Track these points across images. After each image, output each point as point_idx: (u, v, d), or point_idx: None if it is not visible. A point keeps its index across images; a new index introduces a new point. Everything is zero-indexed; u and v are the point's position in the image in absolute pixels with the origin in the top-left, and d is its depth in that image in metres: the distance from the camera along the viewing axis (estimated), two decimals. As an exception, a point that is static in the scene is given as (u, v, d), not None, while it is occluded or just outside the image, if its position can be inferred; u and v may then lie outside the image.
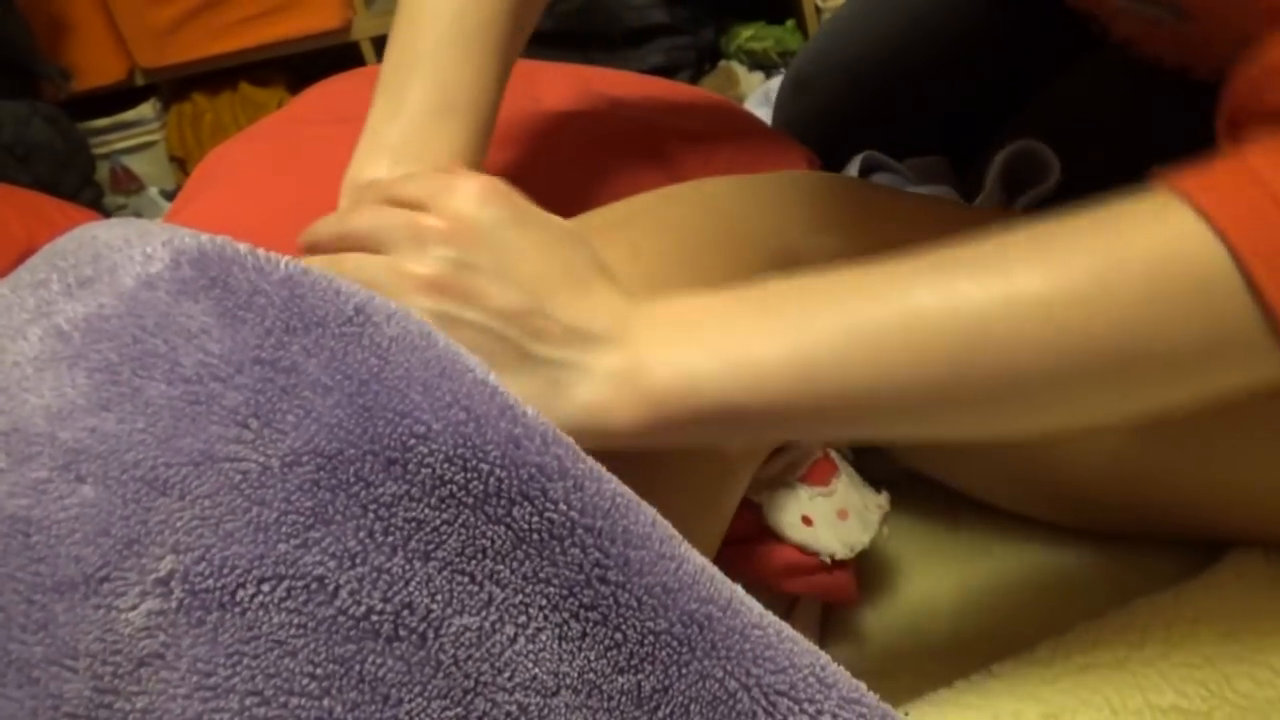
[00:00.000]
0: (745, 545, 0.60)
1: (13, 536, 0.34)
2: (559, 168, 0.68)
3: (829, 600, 0.63)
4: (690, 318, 0.43)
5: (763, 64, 1.79)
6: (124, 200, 1.97)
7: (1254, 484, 0.54)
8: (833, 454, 0.64)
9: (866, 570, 0.65)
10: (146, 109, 1.97)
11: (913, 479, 0.67)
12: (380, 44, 1.87)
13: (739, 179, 0.62)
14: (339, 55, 1.75)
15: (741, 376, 0.41)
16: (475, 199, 0.43)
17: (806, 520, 0.61)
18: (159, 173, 1.99)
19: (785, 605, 0.63)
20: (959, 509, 0.68)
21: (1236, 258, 0.37)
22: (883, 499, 0.62)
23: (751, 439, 0.50)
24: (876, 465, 0.69)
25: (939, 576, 0.66)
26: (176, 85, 1.96)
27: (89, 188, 1.81)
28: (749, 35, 1.80)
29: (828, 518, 0.61)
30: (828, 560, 0.60)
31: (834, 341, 0.41)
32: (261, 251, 0.40)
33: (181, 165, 1.97)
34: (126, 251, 0.40)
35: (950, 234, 0.45)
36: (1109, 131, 0.74)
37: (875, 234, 0.58)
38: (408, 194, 0.45)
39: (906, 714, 0.52)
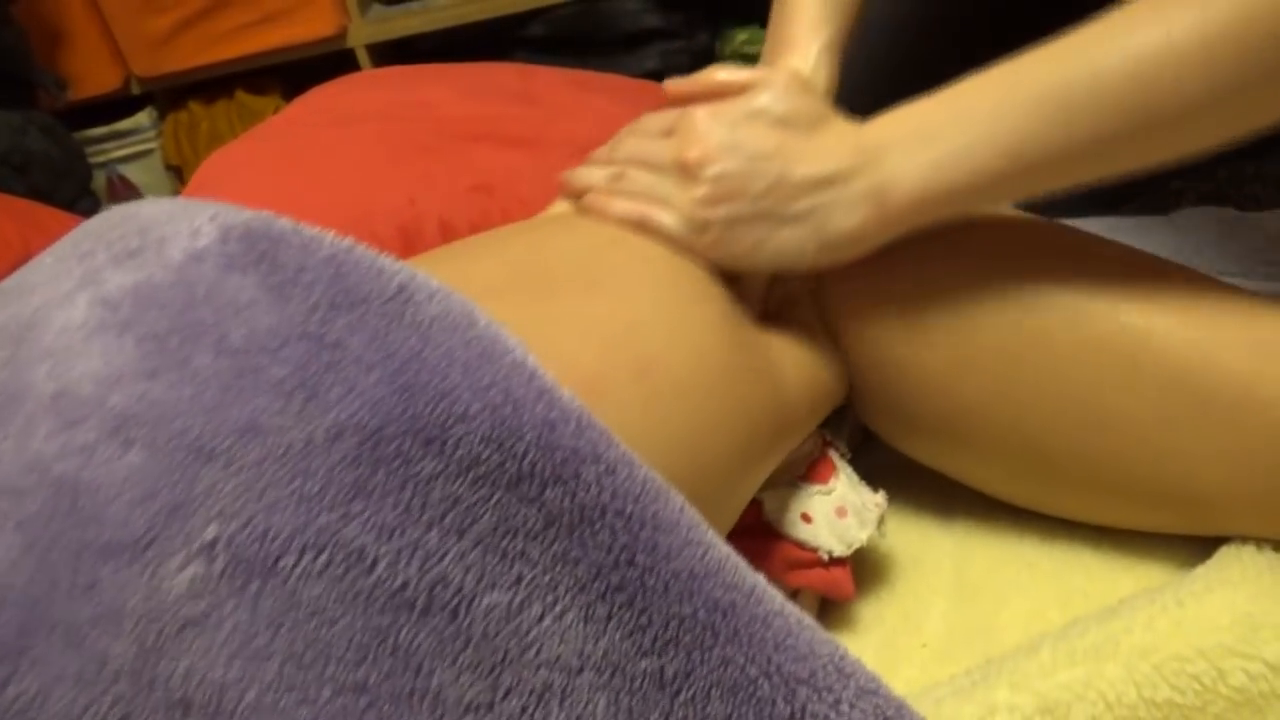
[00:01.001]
0: (747, 539, 0.61)
1: (61, 499, 0.35)
2: (554, 171, 0.69)
3: (826, 595, 0.64)
4: (914, 130, 0.54)
5: (758, 67, 1.80)
6: (119, 209, 1.96)
7: (1250, 480, 0.55)
8: (831, 454, 0.65)
9: (863, 564, 0.66)
10: (143, 118, 1.97)
11: (908, 474, 0.68)
12: (376, 51, 1.88)
13: None
14: (335, 63, 1.75)
15: (963, 168, 0.52)
16: (704, 124, 0.57)
17: (806, 517, 0.62)
18: (155, 181, 1.99)
19: (785, 596, 0.63)
20: (954, 503, 0.68)
21: None
22: (880, 498, 0.63)
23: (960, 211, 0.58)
24: (873, 457, 0.70)
25: (935, 570, 0.66)
26: (172, 94, 1.97)
27: (85, 197, 1.81)
28: (744, 39, 1.81)
29: (827, 515, 0.62)
30: (826, 557, 0.61)
31: (1031, 117, 0.51)
32: (306, 228, 0.41)
33: (178, 174, 1.97)
34: (173, 225, 0.41)
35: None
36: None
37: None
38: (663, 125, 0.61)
39: None
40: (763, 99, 0.57)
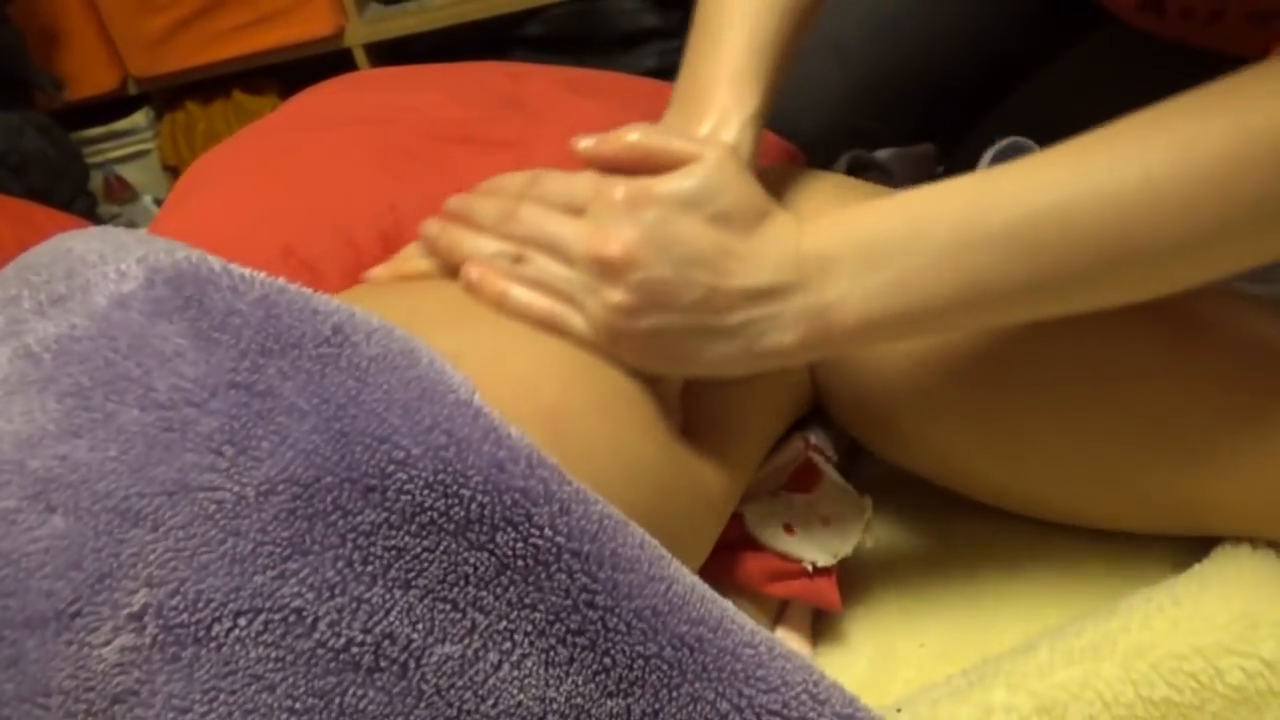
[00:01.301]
0: (728, 551, 0.60)
1: (-19, 570, 0.33)
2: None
3: (813, 605, 0.63)
4: (864, 246, 0.48)
5: (755, 65, 1.79)
6: (118, 209, 1.97)
7: (1245, 481, 0.53)
8: (816, 459, 0.63)
9: (857, 571, 0.65)
10: (139, 118, 1.96)
11: (899, 480, 0.67)
12: (373, 51, 1.87)
13: None
14: (332, 62, 1.74)
15: (914, 297, 0.47)
16: (626, 214, 0.48)
17: (788, 528, 0.60)
18: (153, 181, 1.99)
19: (776, 609, 0.62)
20: (949, 508, 0.67)
21: None
22: (866, 504, 0.61)
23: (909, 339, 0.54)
24: (868, 461, 0.69)
25: (932, 572, 0.65)
26: (169, 94, 1.95)
27: (82, 197, 1.80)
28: (741, 36, 1.79)
29: (810, 525, 0.61)
30: (810, 568, 0.59)
31: (994, 249, 0.46)
32: (237, 269, 0.39)
33: (175, 174, 1.96)
34: (101, 269, 0.39)
35: None
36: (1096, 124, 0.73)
37: None
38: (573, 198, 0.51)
39: (899, 711, 0.52)
40: (698, 185, 0.48)
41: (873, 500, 0.62)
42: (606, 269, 0.48)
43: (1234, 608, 0.52)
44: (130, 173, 1.96)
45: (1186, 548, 0.58)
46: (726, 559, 0.60)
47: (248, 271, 0.39)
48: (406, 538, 0.37)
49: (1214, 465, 0.53)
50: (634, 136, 0.51)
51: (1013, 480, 0.61)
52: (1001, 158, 0.71)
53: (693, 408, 0.55)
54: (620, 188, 0.49)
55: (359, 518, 0.36)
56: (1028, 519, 0.64)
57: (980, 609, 0.62)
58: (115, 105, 1.94)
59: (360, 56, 1.87)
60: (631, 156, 0.51)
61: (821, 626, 0.64)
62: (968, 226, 0.46)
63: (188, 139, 1.91)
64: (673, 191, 0.48)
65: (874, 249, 0.47)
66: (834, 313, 0.48)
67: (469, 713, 0.38)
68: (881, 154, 0.82)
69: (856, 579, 0.64)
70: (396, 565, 0.37)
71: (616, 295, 0.48)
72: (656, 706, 0.40)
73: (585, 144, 0.53)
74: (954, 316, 0.48)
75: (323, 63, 1.74)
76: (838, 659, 0.62)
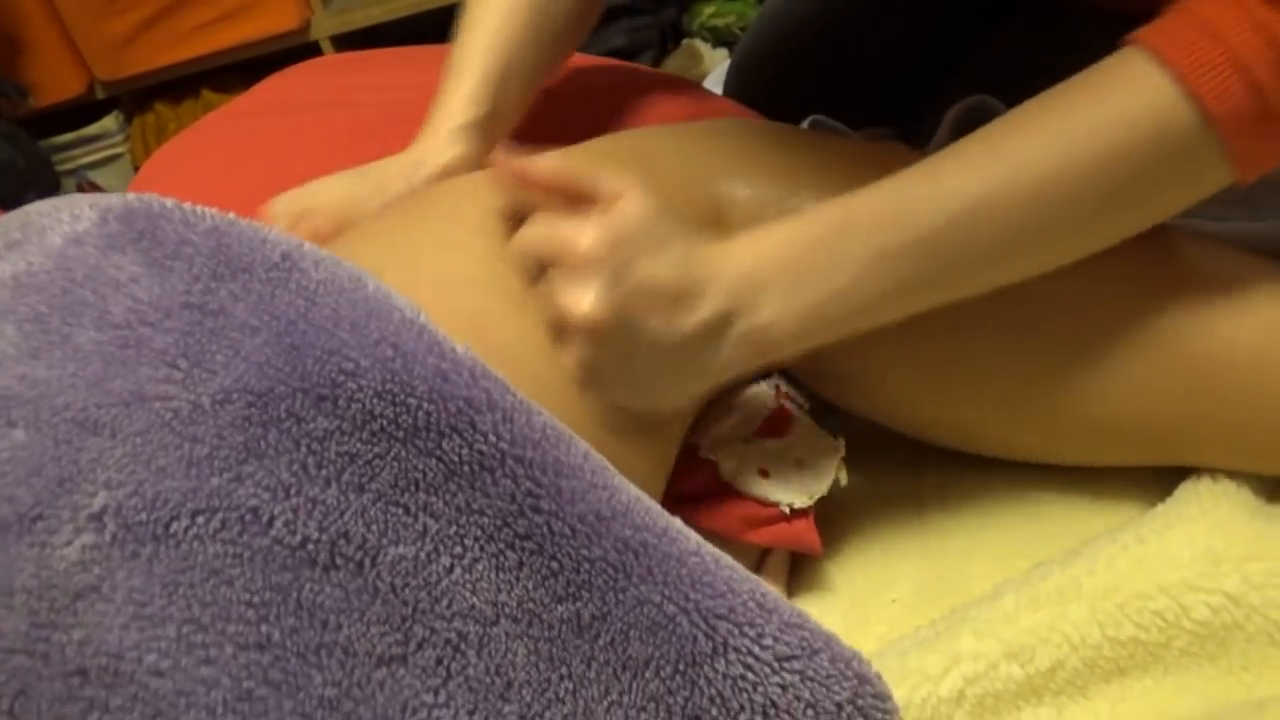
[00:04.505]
0: (704, 501, 0.61)
1: (-54, 481, 0.35)
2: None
3: (794, 549, 0.64)
4: (789, 270, 0.51)
5: (726, 40, 1.79)
6: (90, 214, 1.96)
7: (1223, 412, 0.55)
8: (787, 405, 0.64)
9: (830, 521, 0.65)
10: (109, 122, 1.96)
11: (875, 431, 0.67)
12: (340, 43, 1.87)
13: (672, 128, 0.63)
14: (300, 56, 1.73)
15: (842, 309, 0.51)
16: (588, 307, 0.49)
17: (763, 472, 0.61)
18: (126, 185, 1.98)
19: (754, 558, 0.63)
20: (922, 459, 0.68)
21: (1199, 107, 0.47)
22: (839, 444, 0.62)
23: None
24: (839, 415, 0.70)
25: (903, 527, 0.66)
26: (138, 96, 1.96)
27: (53, 203, 1.80)
28: (711, 12, 1.80)
29: (784, 468, 0.61)
30: (787, 510, 0.60)
31: (912, 257, 0.50)
32: (188, 205, 0.41)
33: (147, 176, 1.96)
34: (55, 215, 0.41)
35: (867, 168, 0.53)
36: (1045, 85, 0.75)
37: (793, 173, 0.60)
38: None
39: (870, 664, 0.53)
40: (637, 229, 0.50)
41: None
42: (565, 329, 0.50)
43: (1197, 545, 0.53)
44: (103, 177, 1.96)
45: (1158, 492, 0.59)
46: (704, 509, 0.61)
47: (198, 207, 0.41)
48: (358, 444, 0.39)
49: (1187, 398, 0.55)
50: (551, 169, 0.53)
51: (977, 421, 0.62)
52: (964, 116, 0.72)
53: None
54: (576, 278, 0.49)
55: (312, 425, 0.38)
56: (999, 471, 0.64)
57: (951, 562, 0.62)
58: (85, 110, 1.94)
59: (328, 49, 1.87)
60: (556, 188, 0.53)
61: (795, 583, 0.65)
62: (884, 241, 0.50)
63: (159, 141, 1.91)
64: (619, 264, 0.49)
65: (800, 271, 0.51)
66: (771, 333, 0.51)
67: (424, 612, 0.39)
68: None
69: (826, 539, 0.64)
70: (349, 470, 0.38)
71: (583, 351, 0.50)
72: (605, 610, 0.42)
73: (506, 162, 0.54)
74: (880, 314, 0.52)
75: (291, 57, 1.73)
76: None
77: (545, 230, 0.51)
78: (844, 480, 0.62)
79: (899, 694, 0.51)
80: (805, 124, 0.81)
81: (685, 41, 1.82)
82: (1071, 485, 0.63)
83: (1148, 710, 0.53)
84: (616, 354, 0.50)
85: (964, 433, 0.64)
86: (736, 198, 0.59)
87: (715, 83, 1.22)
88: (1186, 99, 0.47)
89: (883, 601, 0.62)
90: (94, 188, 1.94)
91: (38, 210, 0.43)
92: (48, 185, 1.80)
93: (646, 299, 0.49)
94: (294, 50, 1.83)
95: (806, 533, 0.62)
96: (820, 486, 0.61)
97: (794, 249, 0.51)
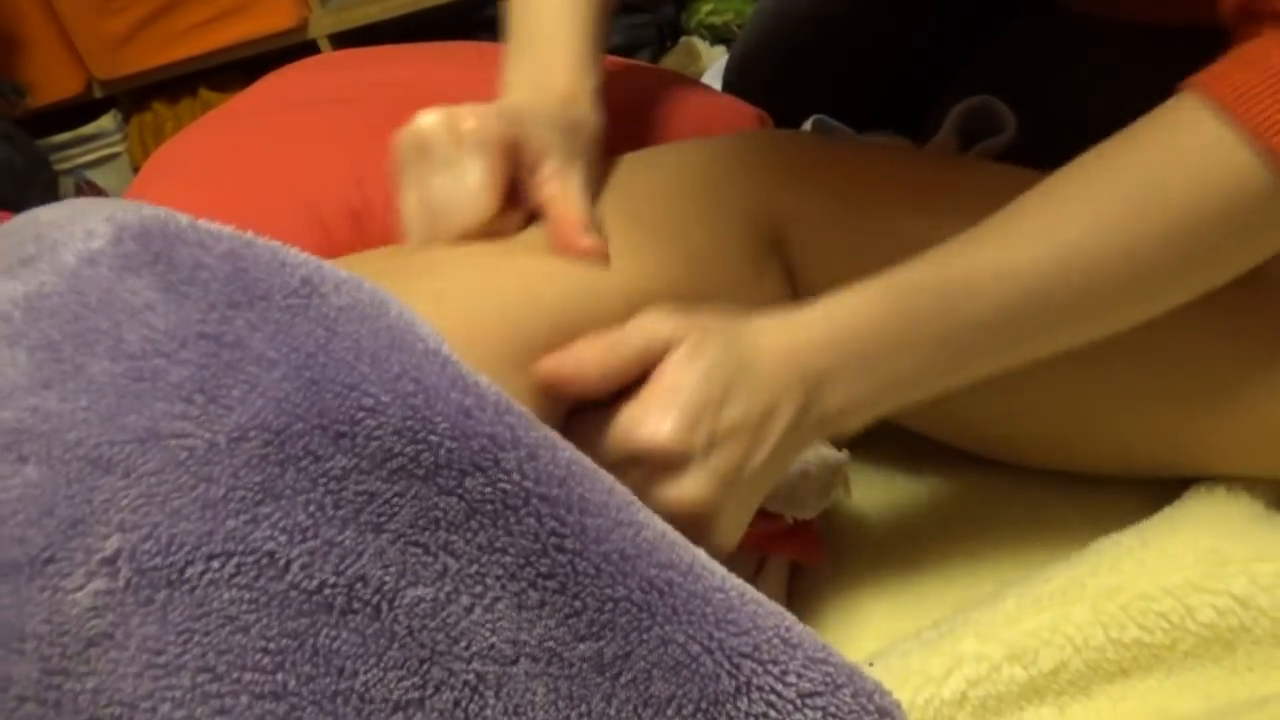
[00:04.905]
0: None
1: (-46, 520, 0.34)
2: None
3: (796, 560, 0.63)
4: (856, 357, 0.50)
5: (724, 37, 1.79)
6: (88, 213, 1.95)
7: (1222, 421, 0.54)
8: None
9: (829, 524, 0.65)
10: (107, 121, 1.95)
11: (877, 431, 0.67)
12: (339, 41, 1.86)
13: (706, 142, 0.62)
14: (297, 54, 1.72)
15: (911, 389, 0.50)
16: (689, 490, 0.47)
17: (768, 483, 0.61)
18: (124, 185, 1.97)
19: (753, 565, 0.63)
20: (920, 458, 0.68)
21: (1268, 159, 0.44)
22: (843, 457, 0.62)
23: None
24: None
25: (900, 527, 0.66)
26: (136, 95, 1.94)
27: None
28: (709, 10, 1.80)
29: (789, 479, 0.61)
30: (790, 521, 0.60)
31: (978, 336, 0.49)
32: (204, 224, 0.40)
33: (145, 176, 1.94)
34: (68, 229, 0.39)
35: (922, 179, 0.54)
36: (1046, 87, 0.74)
37: (849, 186, 0.60)
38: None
39: (871, 664, 0.53)
40: (717, 413, 0.48)
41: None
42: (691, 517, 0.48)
43: (1202, 546, 0.53)
44: (101, 177, 1.95)
45: (1160, 497, 0.59)
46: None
47: (215, 226, 0.40)
48: (377, 483, 0.37)
49: (1208, 399, 0.53)
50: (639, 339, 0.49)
51: (1006, 416, 0.61)
52: (966, 115, 0.72)
53: None
54: (661, 433, 0.47)
55: (330, 463, 0.37)
56: (1003, 473, 0.64)
57: (954, 563, 0.62)
58: (83, 109, 1.93)
59: (326, 48, 1.86)
60: (641, 361, 0.49)
61: (790, 587, 0.65)
62: (951, 322, 0.49)
63: (157, 140, 1.90)
64: (691, 413, 0.47)
65: (866, 358, 0.50)
66: (842, 418, 0.51)
67: (442, 654, 0.38)
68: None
69: (827, 539, 0.65)
70: (368, 510, 0.37)
71: (706, 527, 0.49)
72: (628, 649, 0.41)
73: (594, 355, 0.49)
74: (949, 384, 0.51)
75: (289, 56, 1.72)
76: (811, 619, 0.62)
77: (619, 435, 0.48)
78: (848, 493, 0.62)
79: (901, 696, 0.50)
80: (807, 124, 0.81)
81: (683, 39, 1.82)
82: (1076, 491, 0.63)
83: (1149, 708, 0.52)
84: (729, 506, 0.49)
85: (989, 433, 0.64)
86: (797, 213, 0.59)
87: (713, 80, 1.21)
88: (1260, 158, 0.45)
89: (881, 602, 0.62)
90: (92, 187, 1.93)
91: (50, 221, 0.41)
92: (46, 185, 1.78)
93: (739, 450, 0.48)
94: (292, 49, 1.82)
95: (810, 544, 0.62)
96: (824, 499, 0.61)
97: (861, 335, 0.50)
